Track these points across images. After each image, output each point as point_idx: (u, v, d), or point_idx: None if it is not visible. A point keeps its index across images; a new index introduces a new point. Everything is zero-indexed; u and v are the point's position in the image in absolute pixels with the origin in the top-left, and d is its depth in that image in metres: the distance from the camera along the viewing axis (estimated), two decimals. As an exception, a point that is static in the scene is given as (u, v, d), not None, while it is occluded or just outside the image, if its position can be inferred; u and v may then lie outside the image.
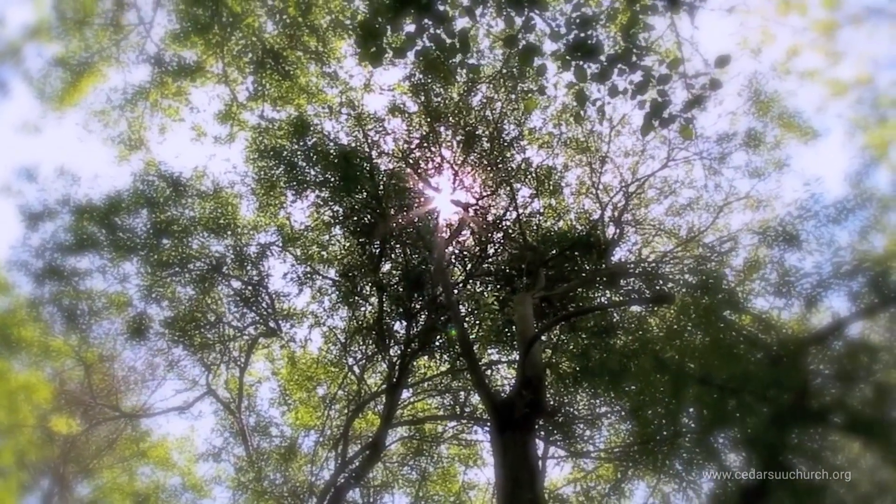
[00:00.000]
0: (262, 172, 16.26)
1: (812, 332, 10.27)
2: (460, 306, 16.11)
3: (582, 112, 13.20)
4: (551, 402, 15.26)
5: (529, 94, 15.85)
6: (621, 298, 14.87)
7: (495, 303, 15.88)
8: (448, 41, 5.73)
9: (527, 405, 9.04)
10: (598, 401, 15.21)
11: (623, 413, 14.34)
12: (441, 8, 5.45)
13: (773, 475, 7.47)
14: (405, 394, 16.83)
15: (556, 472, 18.29)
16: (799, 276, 9.66)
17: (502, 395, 12.14)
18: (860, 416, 8.97)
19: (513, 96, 15.82)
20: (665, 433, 11.44)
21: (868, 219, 11.44)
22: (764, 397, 8.19)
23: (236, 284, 16.95)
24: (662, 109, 6.26)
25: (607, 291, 15.75)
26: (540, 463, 16.55)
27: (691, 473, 10.58)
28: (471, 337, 16.09)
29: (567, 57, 6.12)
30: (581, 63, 6.16)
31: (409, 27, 5.66)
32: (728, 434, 8.96)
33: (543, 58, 6.53)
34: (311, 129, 16.01)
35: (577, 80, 6.20)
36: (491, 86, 16.25)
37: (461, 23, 5.89)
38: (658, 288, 13.93)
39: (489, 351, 16.94)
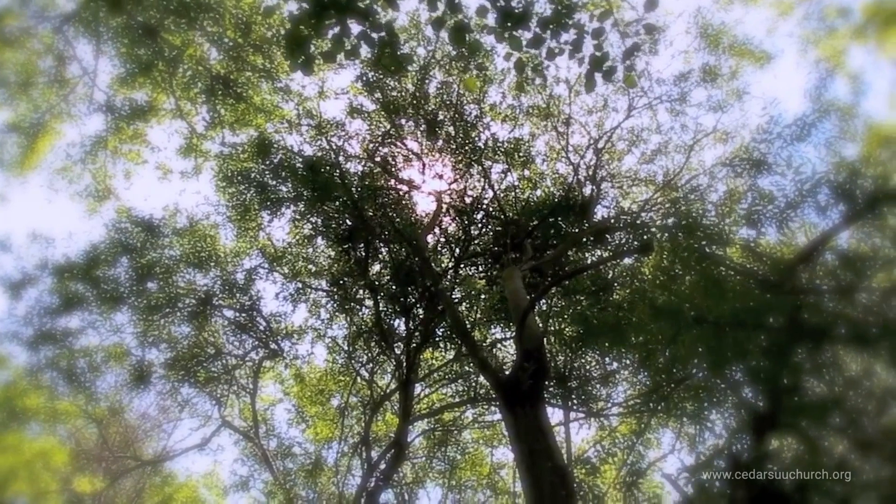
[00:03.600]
0: (234, 199, 16.23)
1: (797, 251, 10.32)
2: (455, 292, 16.16)
3: (523, 80, 13.18)
4: (562, 368, 15.34)
5: (482, 72, 15.85)
6: (607, 255, 14.89)
7: (487, 282, 15.90)
8: (376, 36, 5.70)
9: (531, 376, 9.07)
10: (607, 358, 15.26)
11: (634, 365, 14.40)
12: (362, 4, 5.42)
13: (781, 400, 7.51)
14: (418, 388, 16.85)
15: (583, 435, 18.41)
16: (773, 199, 9.70)
17: (508, 371, 12.16)
18: (860, 325, 9.03)
19: (466, 76, 15.80)
20: (675, 378, 11.52)
21: (833, 130, 11.50)
22: (760, 325, 8.22)
23: (230, 313, 16.95)
24: (602, 63, 6.26)
25: (596, 250, 15.79)
26: (563, 429, 16.76)
27: (707, 413, 10.65)
28: (471, 319, 16.15)
29: (499, 28, 6.11)
30: (514, 32, 6.15)
31: (336, 29, 5.63)
32: (733, 368, 8.99)
33: (477, 33, 6.53)
34: (275, 146, 15.96)
35: (512, 50, 6.20)
36: (445, 70, 16.24)
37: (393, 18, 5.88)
38: (642, 237, 13.95)
39: (492, 331, 16.99)
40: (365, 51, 5.91)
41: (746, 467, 6.55)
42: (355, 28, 5.64)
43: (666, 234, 11.58)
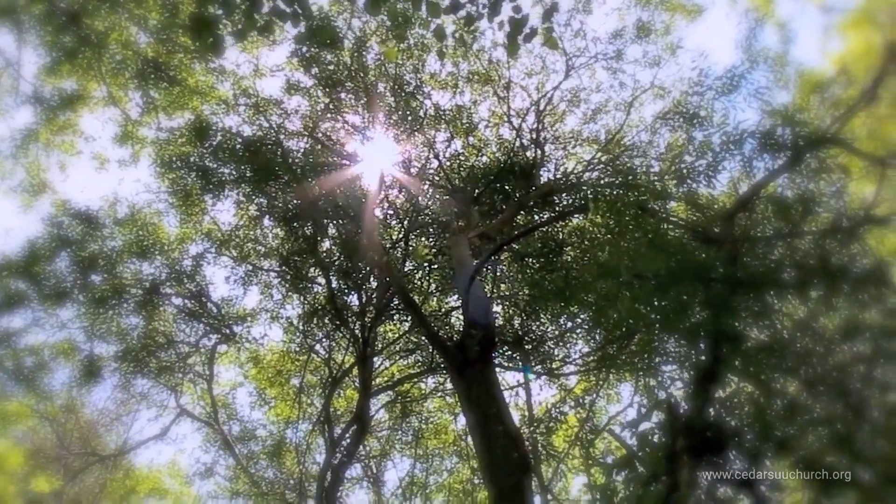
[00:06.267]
0: (175, 184, 15.91)
1: (735, 200, 10.50)
2: (406, 263, 16.14)
3: (442, 48, 13.07)
4: (518, 331, 15.47)
5: (418, 40, 15.69)
6: (550, 216, 15.00)
7: (437, 252, 15.90)
8: (289, 10, 5.58)
9: (478, 343, 9.12)
10: (561, 319, 15.41)
11: (587, 324, 14.57)
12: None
13: (720, 350, 7.65)
14: (377, 361, 16.85)
15: (543, 396, 18.63)
16: (705, 152, 9.83)
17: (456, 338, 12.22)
18: (798, 269, 9.24)
19: (402, 45, 15.62)
20: (625, 335, 11.70)
21: (764, 79, 11.65)
22: (698, 278, 8.34)
23: (178, 301, 16.69)
24: (522, 26, 6.22)
25: (543, 213, 15.86)
26: (521, 392, 16.96)
27: (656, 366, 10.84)
28: (425, 289, 16.18)
29: (414, -4, 6.03)
30: (430, -1, 6.06)
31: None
32: (676, 322, 9.12)
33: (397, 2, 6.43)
34: (212, 128, 15.63)
35: (430, 16, 6.12)
36: (382, 41, 16.01)
37: None
38: (585, 197, 14.06)
39: (448, 299, 17.04)
40: (288, 27, 5.79)
41: (686, 416, 6.70)
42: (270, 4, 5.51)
43: (607, 192, 11.67)
